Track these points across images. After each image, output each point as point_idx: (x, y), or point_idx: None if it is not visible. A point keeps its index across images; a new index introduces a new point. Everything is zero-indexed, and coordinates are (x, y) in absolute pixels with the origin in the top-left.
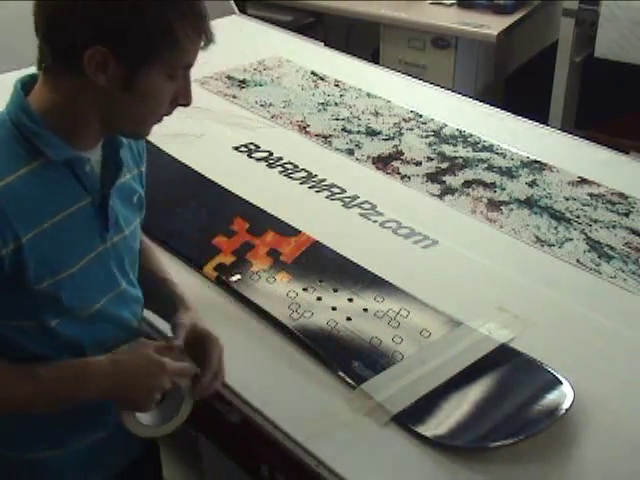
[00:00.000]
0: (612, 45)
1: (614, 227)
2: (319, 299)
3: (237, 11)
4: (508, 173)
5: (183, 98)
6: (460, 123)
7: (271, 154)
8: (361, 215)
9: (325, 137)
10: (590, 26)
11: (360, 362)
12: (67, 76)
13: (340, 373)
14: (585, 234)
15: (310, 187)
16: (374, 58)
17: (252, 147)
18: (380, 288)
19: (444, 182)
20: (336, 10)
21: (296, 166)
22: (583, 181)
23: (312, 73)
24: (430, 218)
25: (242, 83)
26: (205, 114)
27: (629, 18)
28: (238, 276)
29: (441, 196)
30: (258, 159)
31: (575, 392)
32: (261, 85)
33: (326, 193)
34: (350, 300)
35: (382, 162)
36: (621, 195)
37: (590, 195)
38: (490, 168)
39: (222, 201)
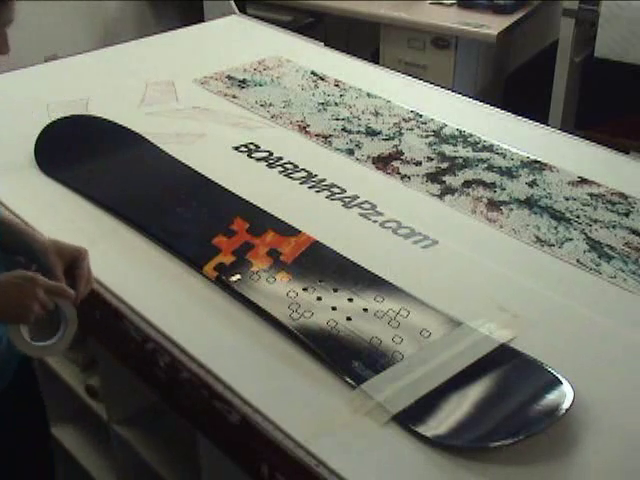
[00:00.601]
0: (612, 45)
1: (614, 227)
2: (319, 299)
3: (237, 11)
4: (508, 173)
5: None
6: (460, 123)
7: (271, 154)
8: (361, 215)
9: (325, 137)
10: (590, 26)
11: (360, 362)
12: None
13: (340, 373)
14: (585, 234)
15: (310, 187)
16: (374, 58)
17: (252, 147)
18: (380, 288)
19: (444, 182)
20: (336, 10)
21: (296, 166)
22: (583, 181)
23: (312, 73)
24: (430, 218)
25: (242, 83)
26: (205, 114)
27: (629, 18)
28: (238, 276)
29: (441, 196)
30: (258, 159)
31: (575, 392)
32: (261, 85)
33: (326, 193)
34: (350, 300)
35: (382, 162)
36: (621, 195)
37: (590, 195)
38: (490, 168)
39: (222, 201)
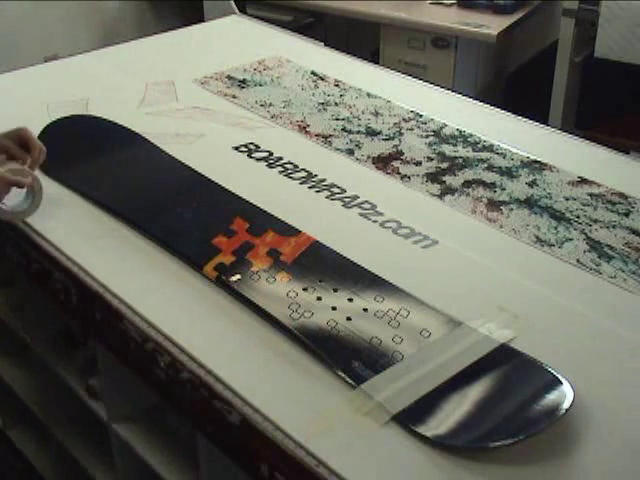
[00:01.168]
0: (612, 45)
1: (614, 227)
2: (319, 299)
3: (237, 11)
4: (508, 173)
5: None
6: (460, 123)
7: (271, 154)
8: (361, 215)
9: (325, 137)
10: (590, 26)
11: (360, 362)
12: None
13: (340, 373)
14: (585, 234)
15: (310, 187)
16: (374, 58)
17: (252, 147)
18: (380, 288)
19: (444, 182)
20: (336, 10)
21: (296, 166)
22: (583, 181)
23: (312, 73)
24: (430, 218)
25: (242, 83)
26: (205, 114)
27: (629, 18)
28: (238, 276)
29: (441, 196)
30: (258, 159)
31: (575, 392)
32: (261, 85)
33: (326, 193)
34: (350, 300)
35: (382, 162)
36: (621, 195)
37: (590, 195)
38: (490, 168)
39: (222, 201)
